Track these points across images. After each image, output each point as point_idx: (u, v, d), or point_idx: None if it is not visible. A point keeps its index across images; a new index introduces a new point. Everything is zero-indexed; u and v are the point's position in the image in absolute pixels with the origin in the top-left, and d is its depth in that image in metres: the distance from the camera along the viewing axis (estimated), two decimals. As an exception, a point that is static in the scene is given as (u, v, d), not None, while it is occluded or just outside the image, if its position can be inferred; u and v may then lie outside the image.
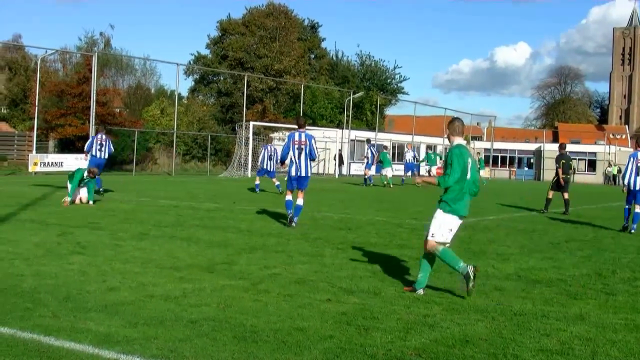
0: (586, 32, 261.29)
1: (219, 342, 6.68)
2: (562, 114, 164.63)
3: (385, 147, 64.99)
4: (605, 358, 6.73)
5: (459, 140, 9.66)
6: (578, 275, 11.43)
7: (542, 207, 25.77)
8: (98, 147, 24.52)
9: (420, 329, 7.47)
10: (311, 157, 17.17)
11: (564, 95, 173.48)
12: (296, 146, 17.08)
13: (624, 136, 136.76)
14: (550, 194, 25.85)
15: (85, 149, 24.92)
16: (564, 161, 25.67)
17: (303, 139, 17.11)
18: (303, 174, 17.12)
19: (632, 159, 19.18)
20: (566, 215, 24.28)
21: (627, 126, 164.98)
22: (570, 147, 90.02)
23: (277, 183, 29.98)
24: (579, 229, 19.54)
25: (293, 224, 16.98)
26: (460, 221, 9.56)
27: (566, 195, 25.26)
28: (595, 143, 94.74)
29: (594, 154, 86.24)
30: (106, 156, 24.78)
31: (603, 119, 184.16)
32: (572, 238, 16.95)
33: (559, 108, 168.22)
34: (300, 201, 17.25)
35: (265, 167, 30.53)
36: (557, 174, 25.74)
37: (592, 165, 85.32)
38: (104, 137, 24.94)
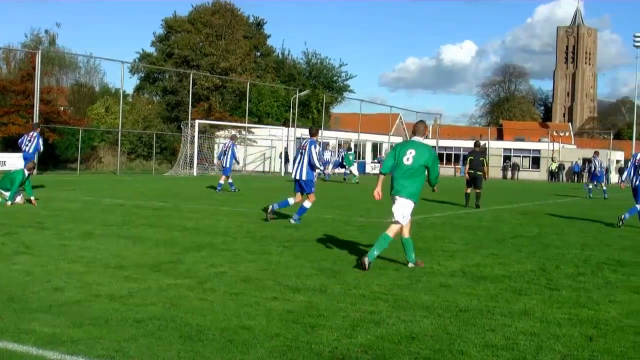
0: (532, 30, 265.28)
1: (165, 341, 6.66)
2: (507, 111, 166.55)
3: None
4: (550, 352, 6.80)
5: (414, 137, 11.68)
6: (523, 271, 11.57)
7: (464, 203, 26.75)
8: (26, 142, 26.17)
9: (367, 326, 7.50)
10: (309, 162, 17.67)
11: (508, 93, 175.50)
12: (299, 151, 18.04)
13: (567, 133, 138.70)
14: (468, 190, 27.02)
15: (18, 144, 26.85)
16: (471, 158, 27.21)
17: (305, 144, 17.95)
18: (298, 176, 17.73)
19: (632, 158, 20.45)
20: (477, 208, 25.55)
21: (570, 124, 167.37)
22: (514, 145, 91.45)
23: (220, 182, 29.88)
24: (524, 225, 19.76)
25: (269, 216, 17.93)
26: (394, 198, 11.38)
27: (478, 190, 26.64)
28: (540, 140, 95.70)
29: (538, 151, 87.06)
30: (31, 151, 26.10)
31: (547, 116, 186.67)
32: (517, 234, 17.14)
33: (503, 106, 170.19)
34: (306, 203, 17.87)
35: (223, 164, 30.45)
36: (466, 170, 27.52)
37: (536, 162, 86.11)
38: (34, 134, 26.53)
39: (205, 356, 6.27)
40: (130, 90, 78.42)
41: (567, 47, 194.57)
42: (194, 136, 52.16)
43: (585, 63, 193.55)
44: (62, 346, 6.38)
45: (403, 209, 11.24)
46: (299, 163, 17.73)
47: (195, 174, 50.25)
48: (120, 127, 52.89)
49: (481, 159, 27.25)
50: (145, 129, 60.04)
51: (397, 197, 11.26)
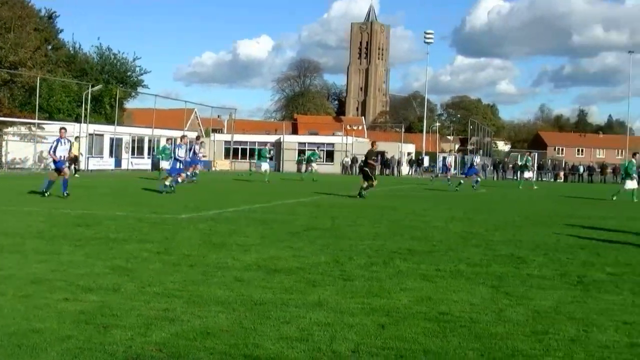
0: (327, 25, 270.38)
1: (-52, 349, 6.40)
2: (301, 106, 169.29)
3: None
4: (344, 342, 6.94)
5: None
6: (317, 262, 11.74)
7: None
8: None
9: (161, 324, 7.43)
10: None
11: (303, 88, 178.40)
12: None
13: (360, 127, 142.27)
14: (364, 184, 31.06)
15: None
16: (374, 157, 32.77)
17: None
18: None
19: None
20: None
21: (363, 117, 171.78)
22: (309, 139, 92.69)
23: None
24: (318, 218, 20.08)
25: None
26: None
27: (371, 182, 31.05)
28: (333, 134, 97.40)
29: (332, 144, 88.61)
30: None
31: (341, 110, 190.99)
32: (312, 227, 17.39)
33: (298, 100, 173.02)
34: None
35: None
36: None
37: (330, 155, 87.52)
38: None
39: (-9, 362, 6.08)
40: None
41: (361, 43, 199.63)
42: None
43: (378, 58, 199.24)
44: None
45: None
46: None
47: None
48: None
49: (373, 157, 32.44)
50: None
51: None
